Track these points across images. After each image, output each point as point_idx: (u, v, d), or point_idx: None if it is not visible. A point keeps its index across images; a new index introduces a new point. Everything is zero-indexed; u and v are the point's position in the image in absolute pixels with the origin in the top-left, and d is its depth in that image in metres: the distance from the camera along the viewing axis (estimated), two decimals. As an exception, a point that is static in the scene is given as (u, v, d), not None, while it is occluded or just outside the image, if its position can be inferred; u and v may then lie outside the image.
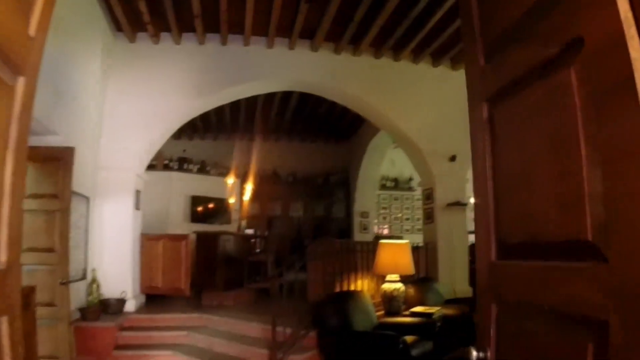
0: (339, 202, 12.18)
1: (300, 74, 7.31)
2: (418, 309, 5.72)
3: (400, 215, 12.63)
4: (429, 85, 7.92)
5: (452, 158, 7.96)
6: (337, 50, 7.28)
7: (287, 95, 8.98)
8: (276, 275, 6.24)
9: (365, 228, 11.54)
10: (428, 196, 8.13)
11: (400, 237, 8.53)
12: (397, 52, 7.52)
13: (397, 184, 12.66)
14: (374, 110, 7.77)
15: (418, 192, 12.58)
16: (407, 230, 12.50)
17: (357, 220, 11.59)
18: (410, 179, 12.51)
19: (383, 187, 12.40)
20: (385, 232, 12.21)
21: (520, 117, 1.57)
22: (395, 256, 5.95)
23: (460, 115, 7.75)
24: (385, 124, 8.07)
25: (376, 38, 7.00)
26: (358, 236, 11.31)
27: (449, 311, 5.85)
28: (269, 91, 8.12)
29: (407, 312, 5.68)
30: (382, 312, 5.77)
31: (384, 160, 11.62)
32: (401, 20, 6.50)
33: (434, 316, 5.50)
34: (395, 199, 12.63)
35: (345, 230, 11.86)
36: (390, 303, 5.74)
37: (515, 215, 1.59)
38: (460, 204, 7.97)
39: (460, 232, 8.03)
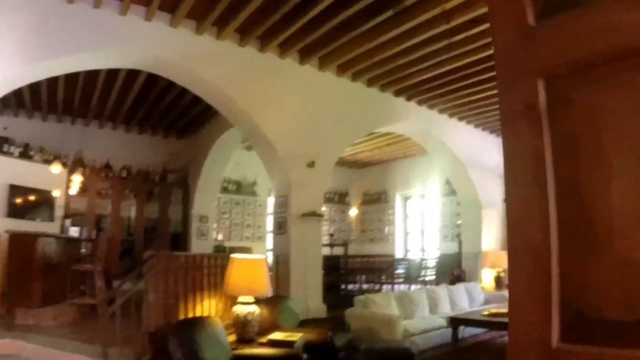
0: (176, 203, 11.00)
1: (154, 51, 6.15)
2: (276, 335, 4.95)
3: (241, 221, 11.82)
4: (293, 85, 7.28)
5: (311, 164, 7.39)
6: (199, 31, 6.28)
7: (132, 76, 7.72)
8: (105, 289, 5.10)
9: (203, 234, 10.53)
10: (281, 204, 7.44)
11: (249, 249, 7.79)
12: (264, 42, 6.77)
13: (240, 188, 11.85)
14: (233, 104, 6.89)
15: (261, 198, 11.91)
16: (248, 237, 11.77)
17: (195, 224, 10.54)
18: (254, 183, 11.79)
19: (225, 190, 11.49)
20: (220, 237, 11.30)
21: None
22: (250, 274, 5.13)
23: (322, 119, 7.21)
24: (243, 120, 7.23)
25: (244, 23, 6.17)
26: (195, 243, 10.31)
27: (310, 336, 5.18)
28: (115, 66, 6.84)
29: (263, 340, 4.89)
30: (233, 338, 4.91)
31: (229, 162, 10.74)
32: (275, 9, 5.79)
33: (296, 344, 4.79)
34: (237, 203, 11.82)
35: (181, 235, 10.75)
36: (244, 329, 4.91)
37: (620, 276, 0.92)
38: (316, 215, 7.41)
39: (315, 245, 7.48)
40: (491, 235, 11.11)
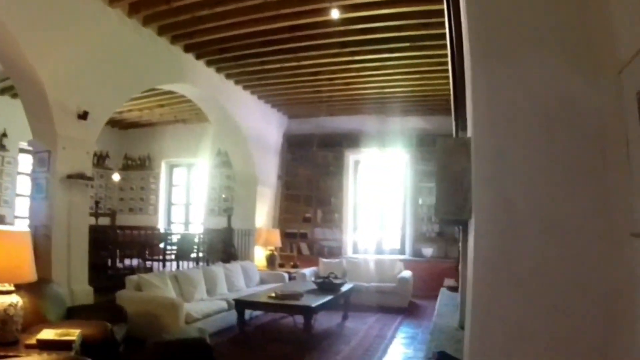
0: None
1: None
2: (47, 334, 3.78)
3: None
4: (76, 17, 5.86)
5: (83, 115, 6.06)
6: None
7: None
8: None
9: None
10: (43, 161, 5.94)
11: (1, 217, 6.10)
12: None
13: (-14, 140, 9.44)
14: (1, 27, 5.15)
15: (11, 153, 9.76)
16: (-11, 201, 9.46)
17: None
18: (4, 135, 9.50)
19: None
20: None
21: None
22: (11, 253, 3.83)
23: (102, 64, 5.95)
24: (8, 51, 5.45)
25: None
26: None
27: (87, 331, 4.12)
28: None
29: (31, 341, 3.67)
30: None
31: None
32: None
33: (74, 345, 3.71)
34: (-19, 159, 9.39)
35: None
36: (4, 328, 3.62)
37: None
38: (84, 178, 6.12)
39: (82, 214, 6.19)
40: (263, 212, 10.83)
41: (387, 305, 8.68)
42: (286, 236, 11.11)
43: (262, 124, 10.63)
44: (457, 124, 3.42)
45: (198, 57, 8.14)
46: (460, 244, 5.96)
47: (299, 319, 6.50)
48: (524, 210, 2.04)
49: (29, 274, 3.90)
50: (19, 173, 9.88)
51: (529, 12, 2.10)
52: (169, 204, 12.69)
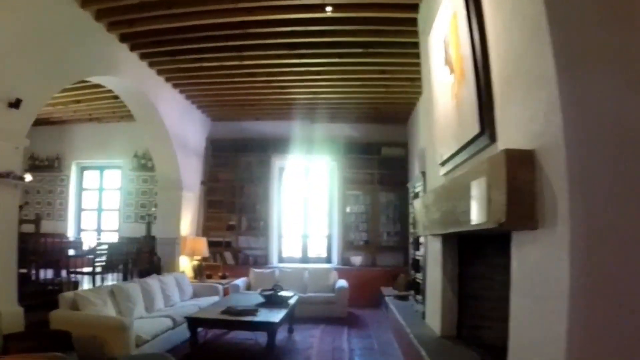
0: None
1: None
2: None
3: None
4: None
5: (16, 103, 5.22)
6: None
7: None
8: None
9: None
10: (-38, 157, 5.04)
11: None
12: None
13: None
14: None
15: None
16: None
17: None
18: None
19: None
20: None
21: None
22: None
23: (36, 48, 5.19)
24: None
25: None
26: None
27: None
28: None
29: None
30: None
31: None
32: None
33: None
34: None
35: None
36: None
37: None
38: (14, 177, 5.27)
39: (9, 221, 5.29)
40: (188, 220, 10.14)
41: (325, 315, 8.41)
42: (210, 245, 10.45)
43: (187, 125, 9.96)
44: (481, 135, 3.38)
45: (133, 48, 7.41)
46: (423, 252, 5.86)
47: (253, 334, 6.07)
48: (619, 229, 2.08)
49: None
50: None
51: (605, 29, 2.20)
52: (79, 210, 11.53)
